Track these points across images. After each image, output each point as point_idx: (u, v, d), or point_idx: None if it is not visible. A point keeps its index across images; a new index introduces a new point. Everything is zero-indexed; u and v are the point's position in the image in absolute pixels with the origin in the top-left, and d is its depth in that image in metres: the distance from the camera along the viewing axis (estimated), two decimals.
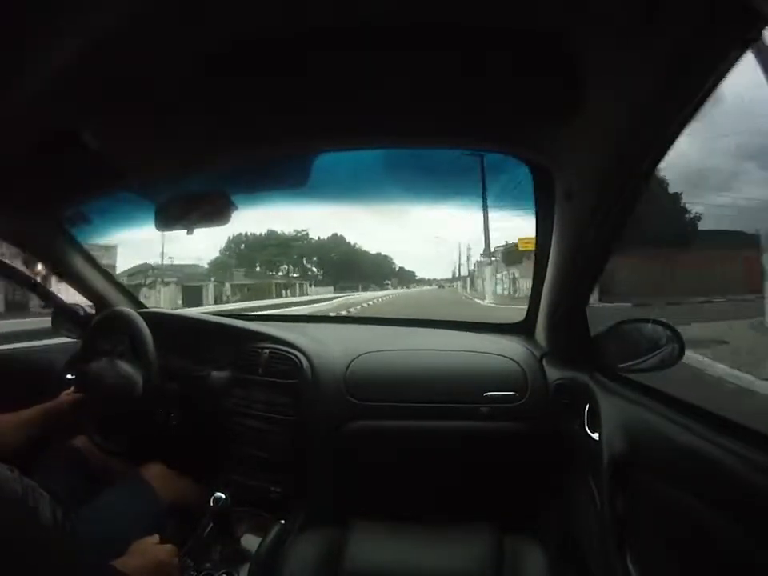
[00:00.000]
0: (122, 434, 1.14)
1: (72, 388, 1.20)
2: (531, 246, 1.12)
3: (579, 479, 0.98)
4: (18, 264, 1.51)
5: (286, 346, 1.25)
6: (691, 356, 2.64)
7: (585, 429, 0.94)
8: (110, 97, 0.68)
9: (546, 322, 1.16)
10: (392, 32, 0.57)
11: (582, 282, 0.95)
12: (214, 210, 1.10)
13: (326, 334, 1.43)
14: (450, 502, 1.16)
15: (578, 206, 0.80)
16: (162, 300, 8.58)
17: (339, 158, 1.02)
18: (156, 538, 0.82)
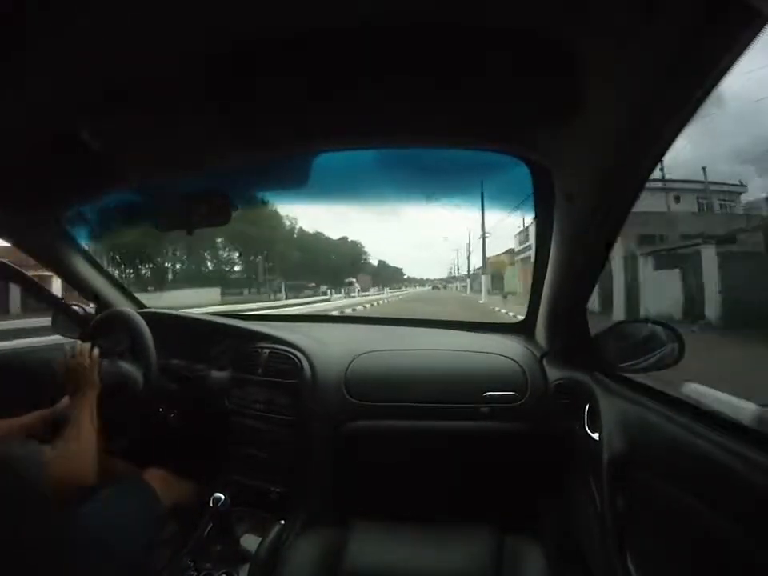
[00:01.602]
0: (121, 433, 1.14)
1: None
2: None
3: (579, 479, 0.98)
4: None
5: (286, 345, 1.25)
6: None
7: (585, 429, 0.94)
8: (110, 97, 0.68)
9: (546, 322, 1.16)
10: (392, 32, 0.57)
11: (581, 282, 0.95)
12: (214, 210, 1.10)
13: (326, 334, 1.43)
14: (450, 501, 1.16)
15: (578, 206, 0.80)
16: None
17: (335, 157, 1.02)
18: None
